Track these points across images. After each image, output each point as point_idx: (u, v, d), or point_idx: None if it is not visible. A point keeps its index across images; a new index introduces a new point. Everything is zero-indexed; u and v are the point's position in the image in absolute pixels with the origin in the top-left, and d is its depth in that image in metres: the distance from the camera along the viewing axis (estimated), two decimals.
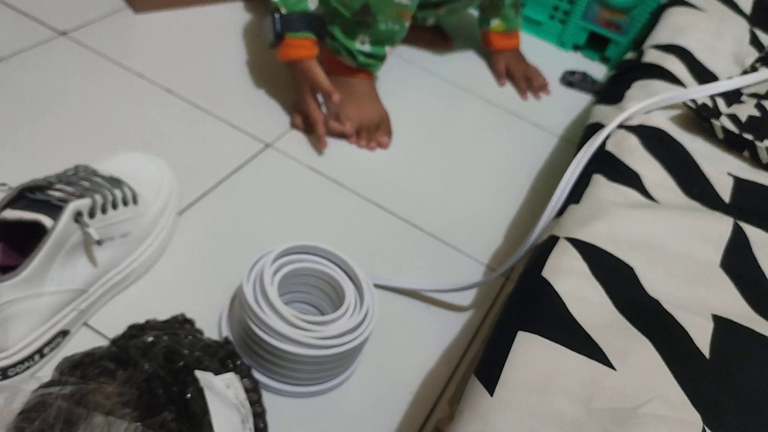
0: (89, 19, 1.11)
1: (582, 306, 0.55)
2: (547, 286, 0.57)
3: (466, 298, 0.88)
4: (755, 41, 1.06)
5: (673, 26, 1.05)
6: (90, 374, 0.59)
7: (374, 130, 1.08)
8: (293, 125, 1.00)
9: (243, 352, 0.71)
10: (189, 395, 0.57)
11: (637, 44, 1.15)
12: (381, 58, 1.07)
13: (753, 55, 1.01)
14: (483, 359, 0.52)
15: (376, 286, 0.84)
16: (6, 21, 1.04)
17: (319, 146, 1.01)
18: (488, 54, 1.39)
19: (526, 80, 1.34)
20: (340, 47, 1.05)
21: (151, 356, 0.60)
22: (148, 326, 0.66)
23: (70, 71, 1.00)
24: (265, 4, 0.98)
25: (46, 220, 0.63)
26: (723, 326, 0.57)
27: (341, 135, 1.07)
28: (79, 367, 0.59)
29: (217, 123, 1.01)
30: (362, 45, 1.04)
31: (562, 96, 1.37)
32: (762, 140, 0.78)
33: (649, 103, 0.83)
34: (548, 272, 0.58)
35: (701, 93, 0.83)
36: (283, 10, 0.95)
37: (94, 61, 1.04)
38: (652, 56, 0.98)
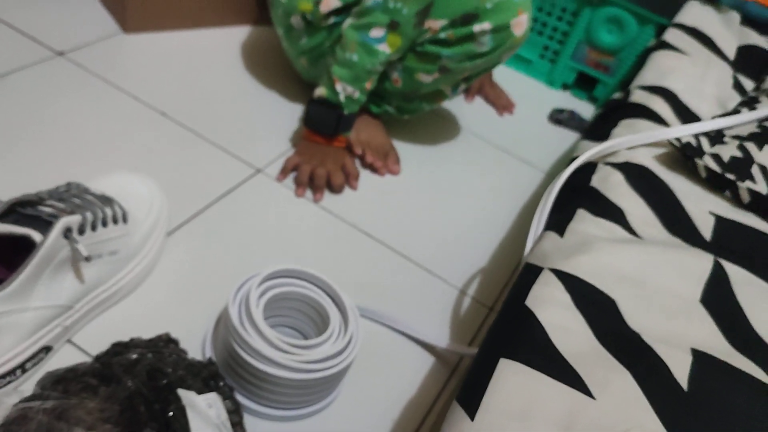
0: (87, 41, 1.13)
1: (564, 335, 0.56)
2: (530, 315, 0.58)
3: (449, 329, 0.88)
4: (738, 86, 1.08)
5: (659, 68, 1.08)
6: (72, 389, 0.59)
7: (383, 157, 1.13)
8: (298, 195, 1.02)
9: (226, 374, 0.71)
10: (171, 413, 0.57)
11: (624, 85, 1.17)
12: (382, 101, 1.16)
13: (736, 98, 1.04)
14: (465, 385, 0.53)
15: (363, 316, 0.85)
16: (5, 39, 1.06)
17: (296, 194, 1.02)
18: None
19: (498, 97, 1.42)
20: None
21: (134, 373, 0.60)
22: (133, 344, 0.66)
23: (66, 91, 1.01)
24: (271, 34, 1.01)
25: (35, 235, 0.64)
26: (702, 360, 0.58)
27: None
28: (62, 382, 0.59)
29: (209, 147, 1.02)
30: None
31: (549, 133, 1.39)
32: (743, 181, 0.80)
33: (630, 138, 0.85)
34: (531, 302, 0.59)
35: (684, 132, 0.85)
36: (345, 112, 1.01)
37: (90, 81, 1.05)
38: (638, 96, 1.01)
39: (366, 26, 0.96)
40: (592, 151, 0.83)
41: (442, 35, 0.99)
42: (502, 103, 1.40)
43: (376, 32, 0.96)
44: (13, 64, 1.02)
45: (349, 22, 0.99)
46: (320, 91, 1.01)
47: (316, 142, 1.03)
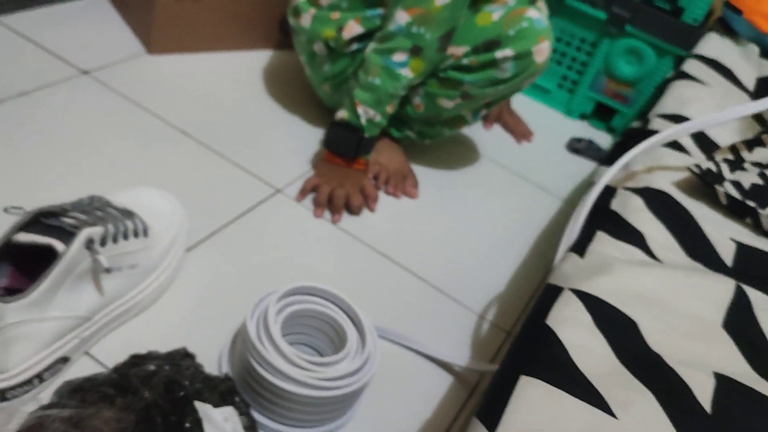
0: (112, 60, 1.15)
1: (585, 355, 0.56)
2: (551, 333, 0.57)
3: (467, 351, 0.88)
4: (757, 115, 1.08)
5: (678, 97, 1.08)
6: (89, 399, 0.59)
7: (401, 180, 1.13)
8: (317, 215, 1.02)
9: (243, 390, 0.71)
10: (187, 425, 0.57)
11: (642, 115, 1.18)
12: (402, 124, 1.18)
13: (755, 128, 1.04)
14: (485, 401, 0.52)
15: (380, 337, 0.85)
16: (33, 58, 1.08)
17: (315, 214, 1.02)
18: None
19: (517, 125, 1.40)
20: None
21: (151, 385, 0.60)
22: (150, 357, 0.66)
23: (91, 108, 1.03)
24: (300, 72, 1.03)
25: (58, 245, 0.64)
26: (725, 383, 0.57)
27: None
28: (79, 391, 0.59)
29: (230, 166, 1.03)
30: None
31: (567, 162, 1.39)
32: (764, 208, 0.80)
33: (652, 142, 0.84)
34: (552, 321, 0.59)
35: (698, 127, 0.84)
36: (366, 135, 1.02)
37: (113, 100, 1.06)
38: (657, 124, 1.01)
39: (389, 51, 0.97)
40: (620, 163, 0.82)
41: (465, 61, 1.00)
42: (520, 131, 1.41)
43: (399, 57, 0.98)
44: (40, 81, 1.04)
45: (372, 46, 1.00)
46: (342, 114, 1.02)
47: (336, 164, 1.04)
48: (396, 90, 1.00)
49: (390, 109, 1.02)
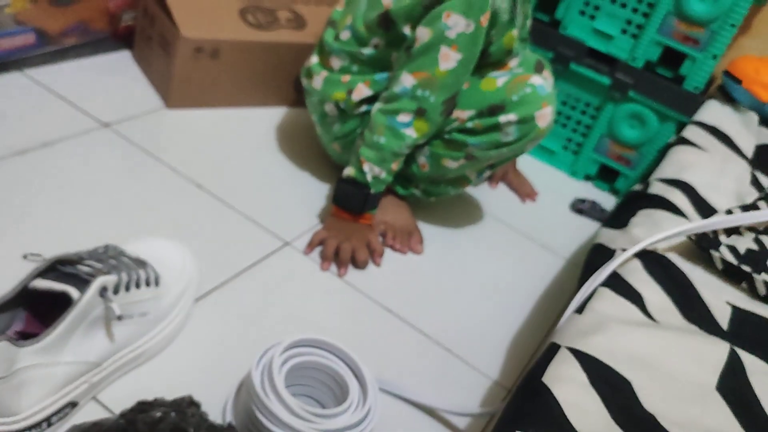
0: (131, 114, 1.19)
1: (579, 413, 0.57)
2: (547, 391, 0.59)
3: (467, 405, 0.89)
4: (756, 182, 1.11)
5: (679, 162, 1.11)
6: None
7: (407, 237, 1.15)
8: (323, 269, 1.04)
9: None
10: None
11: (645, 178, 1.21)
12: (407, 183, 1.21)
13: (753, 194, 1.06)
14: None
15: (381, 390, 0.86)
16: (57, 110, 1.13)
17: (322, 267, 1.04)
18: None
19: (522, 185, 1.45)
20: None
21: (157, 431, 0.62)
22: (157, 403, 0.68)
23: (109, 160, 1.07)
24: (303, 115, 1.08)
25: (73, 292, 0.67)
26: None
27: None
28: None
29: (241, 218, 1.06)
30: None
31: (571, 222, 1.42)
32: (759, 273, 0.82)
33: (660, 237, 0.86)
34: (548, 378, 0.60)
35: (705, 228, 0.86)
36: (372, 191, 1.06)
37: (132, 152, 1.10)
38: (657, 188, 1.03)
39: (394, 111, 1.01)
40: (630, 252, 0.84)
41: (469, 125, 1.04)
42: (525, 191, 1.44)
43: (404, 117, 1.01)
44: (63, 132, 1.08)
45: (377, 106, 1.04)
46: (349, 171, 1.05)
47: (343, 218, 1.07)
48: (400, 149, 1.03)
49: (395, 166, 1.05)
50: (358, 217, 1.07)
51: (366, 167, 1.04)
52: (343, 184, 1.06)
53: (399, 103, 1.01)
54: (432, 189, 1.17)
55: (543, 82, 1.03)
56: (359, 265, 1.05)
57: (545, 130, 1.05)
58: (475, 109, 1.03)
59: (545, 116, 1.03)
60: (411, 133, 1.02)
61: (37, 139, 1.05)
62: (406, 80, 1.01)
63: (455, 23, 0.97)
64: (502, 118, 1.02)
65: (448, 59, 0.99)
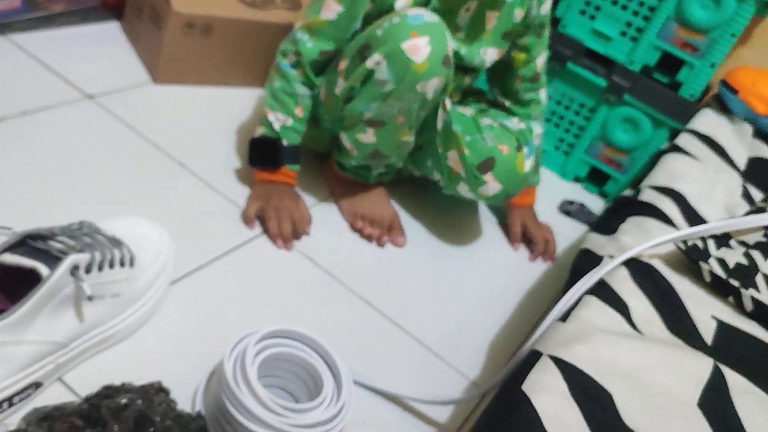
0: (117, 87, 1.16)
1: (558, 424, 0.55)
2: (526, 400, 0.57)
3: (442, 411, 0.87)
4: (747, 195, 1.10)
5: (670, 171, 1.10)
6: (57, 428, 0.58)
7: (385, 229, 1.12)
8: (279, 246, 1.02)
9: (214, 430, 0.70)
10: None
11: (635, 183, 1.19)
12: (393, 171, 1.16)
13: (744, 207, 1.05)
14: None
15: (356, 383, 0.84)
16: (39, 78, 1.09)
17: (276, 245, 1.02)
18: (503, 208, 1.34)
19: (544, 242, 1.27)
20: (354, 174, 1.13)
21: (122, 419, 0.60)
22: (123, 389, 0.66)
23: (91, 133, 1.04)
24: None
25: (43, 269, 0.64)
26: None
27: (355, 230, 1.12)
28: (48, 419, 0.59)
29: (223, 201, 1.04)
30: (377, 168, 1.11)
31: (558, 223, 1.40)
32: (747, 288, 0.81)
33: (649, 245, 0.85)
34: (528, 386, 0.59)
35: (695, 234, 0.85)
36: (285, 143, 1.03)
37: (115, 126, 1.07)
38: (648, 195, 1.02)
39: (282, 53, 1.04)
40: (619, 259, 0.82)
41: (346, 85, 1.00)
42: (539, 250, 1.26)
43: (289, 59, 1.03)
44: (44, 102, 1.05)
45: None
46: (258, 131, 1.05)
47: (265, 180, 1.05)
48: (293, 89, 1.02)
49: (299, 112, 1.04)
50: (276, 172, 1.04)
51: (271, 116, 1.03)
52: (256, 143, 1.05)
53: (284, 44, 1.03)
54: (379, 168, 1.12)
55: (422, 12, 0.93)
56: (298, 237, 1.03)
57: (430, 69, 0.93)
58: (349, 57, 0.99)
59: (418, 48, 0.91)
60: (297, 74, 1.03)
61: (16, 107, 1.01)
62: (296, 25, 1.03)
63: None
64: (369, 62, 0.95)
65: (329, 10, 0.99)
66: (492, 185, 1.06)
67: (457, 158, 1.06)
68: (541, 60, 1.17)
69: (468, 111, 1.12)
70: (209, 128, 1.18)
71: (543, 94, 1.21)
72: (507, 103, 1.20)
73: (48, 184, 0.92)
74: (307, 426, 0.68)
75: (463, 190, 1.09)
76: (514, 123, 1.14)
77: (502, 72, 1.18)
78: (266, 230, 1.02)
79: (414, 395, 0.83)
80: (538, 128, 1.20)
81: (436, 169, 1.14)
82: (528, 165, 1.08)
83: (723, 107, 1.40)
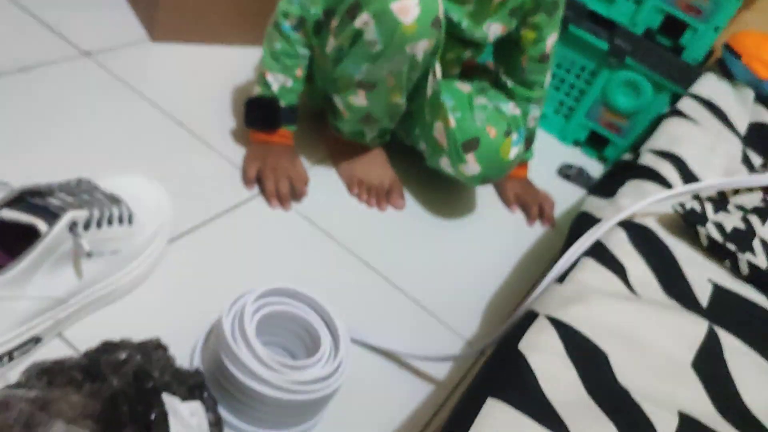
0: (114, 44, 1.15)
1: (553, 382, 0.56)
2: (522, 358, 0.58)
3: (438, 369, 0.88)
4: (746, 160, 1.10)
5: (671, 135, 1.10)
6: (57, 382, 0.58)
7: (383, 192, 1.12)
8: (273, 206, 1.01)
9: (212, 387, 0.71)
10: (153, 416, 0.57)
11: (634, 148, 1.19)
12: (388, 133, 1.15)
13: (743, 172, 1.05)
14: (450, 419, 0.53)
15: (353, 340, 0.85)
16: (35, 34, 1.08)
17: (271, 205, 1.01)
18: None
19: (538, 206, 1.27)
20: (350, 136, 1.12)
21: (121, 373, 0.60)
22: (122, 345, 0.66)
23: (88, 91, 1.03)
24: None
25: (41, 225, 0.64)
26: (688, 423, 0.58)
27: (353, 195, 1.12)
28: (48, 373, 0.59)
29: (221, 161, 1.03)
30: (370, 132, 1.11)
31: (556, 187, 1.40)
32: (744, 252, 0.81)
33: (646, 203, 0.85)
34: (525, 346, 0.59)
35: (694, 191, 0.85)
36: (282, 103, 1.02)
37: (111, 84, 1.06)
38: (647, 159, 1.02)
39: (284, 14, 1.01)
40: (615, 218, 0.82)
41: (337, 43, 0.98)
42: (534, 213, 1.26)
43: (290, 21, 1.00)
44: (40, 58, 1.03)
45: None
46: (255, 91, 1.03)
47: (262, 141, 1.04)
48: (294, 50, 1.01)
49: (299, 72, 1.02)
50: (273, 134, 1.04)
51: (270, 77, 1.01)
52: (252, 104, 1.04)
53: (285, 5, 1.00)
54: (375, 130, 1.11)
55: None
56: (297, 198, 1.03)
57: (418, 31, 0.91)
58: (339, 15, 0.96)
59: (407, 8, 0.88)
60: (299, 36, 1.01)
61: (13, 63, 1.00)
62: None
63: None
64: (358, 22, 0.92)
65: None
66: (472, 166, 1.06)
67: (443, 130, 1.05)
68: (550, 41, 1.14)
69: (466, 88, 1.11)
70: (208, 88, 1.17)
71: (548, 78, 1.19)
72: (509, 83, 1.17)
73: (46, 140, 0.91)
74: (305, 382, 0.68)
75: (445, 164, 1.09)
76: (510, 108, 1.11)
77: (510, 50, 1.16)
78: (263, 190, 1.01)
79: (411, 351, 0.84)
80: (536, 111, 1.19)
81: (422, 139, 1.13)
82: (514, 152, 1.07)
83: (725, 72, 1.39)
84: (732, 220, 0.83)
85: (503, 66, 1.18)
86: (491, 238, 1.17)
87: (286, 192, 1.01)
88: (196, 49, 1.25)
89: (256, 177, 1.02)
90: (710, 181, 0.85)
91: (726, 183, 0.84)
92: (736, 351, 0.69)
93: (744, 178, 0.85)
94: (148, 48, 1.19)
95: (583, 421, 0.53)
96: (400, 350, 0.85)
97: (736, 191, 0.90)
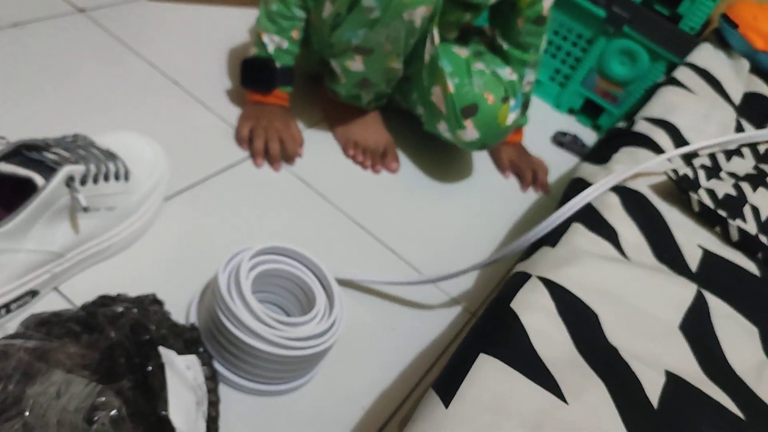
0: (110, 1, 1.13)
1: (544, 340, 0.57)
2: (514, 316, 0.59)
3: (432, 326, 0.90)
4: (740, 129, 1.10)
5: (666, 103, 1.10)
6: (55, 333, 0.59)
7: (379, 155, 1.12)
8: (258, 165, 1.01)
9: (207, 342, 0.72)
10: (150, 368, 0.58)
11: (629, 117, 1.19)
12: (384, 96, 1.15)
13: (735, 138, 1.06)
14: (443, 374, 0.54)
15: (339, 280, 0.85)
16: None
17: (256, 164, 1.01)
18: None
19: (532, 172, 1.28)
20: (346, 99, 1.12)
21: (118, 326, 0.61)
22: (119, 299, 0.67)
23: (83, 48, 1.02)
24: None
25: (38, 179, 0.64)
26: (674, 382, 0.59)
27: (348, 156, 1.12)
28: (46, 324, 0.60)
29: (217, 120, 1.03)
30: (367, 96, 1.11)
31: (550, 154, 1.41)
32: (734, 219, 0.82)
33: (639, 168, 0.86)
34: (516, 304, 0.60)
35: (677, 154, 0.86)
36: (277, 64, 1.02)
37: (107, 42, 1.05)
38: (642, 127, 1.02)
39: None
40: (606, 183, 0.83)
41: (333, 9, 0.97)
42: (528, 179, 1.27)
43: None
44: (34, 14, 1.02)
45: None
46: (251, 51, 1.03)
47: (257, 102, 1.04)
48: (291, 12, 1.00)
49: (296, 34, 1.02)
50: (268, 94, 1.04)
51: (266, 38, 1.01)
52: (248, 65, 1.03)
53: None
54: (372, 95, 1.11)
55: None
56: (289, 160, 1.03)
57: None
58: None
59: None
60: None
61: (6, 19, 0.99)
62: None
63: None
64: None
65: None
66: (470, 131, 1.06)
67: (441, 95, 1.05)
68: (547, 3, 1.13)
69: (463, 52, 1.11)
70: (204, 47, 1.16)
71: (543, 42, 1.18)
72: (505, 46, 1.16)
73: (41, 96, 0.91)
74: (300, 339, 0.69)
75: (443, 129, 1.09)
76: (507, 73, 1.11)
77: (506, 12, 1.15)
78: (251, 149, 1.02)
79: (402, 279, 0.85)
80: (531, 76, 1.18)
81: (419, 103, 1.13)
82: (511, 118, 1.07)
83: (722, 42, 1.39)
84: (724, 187, 0.84)
85: (499, 28, 1.18)
86: (485, 203, 1.17)
87: (276, 152, 1.01)
88: (193, 8, 1.24)
89: (249, 137, 1.02)
90: (701, 143, 0.86)
91: (715, 144, 0.85)
92: (723, 314, 0.70)
93: (731, 137, 0.85)
94: (144, 6, 1.18)
95: (572, 378, 0.54)
96: (391, 279, 0.86)
97: (729, 157, 0.91)
